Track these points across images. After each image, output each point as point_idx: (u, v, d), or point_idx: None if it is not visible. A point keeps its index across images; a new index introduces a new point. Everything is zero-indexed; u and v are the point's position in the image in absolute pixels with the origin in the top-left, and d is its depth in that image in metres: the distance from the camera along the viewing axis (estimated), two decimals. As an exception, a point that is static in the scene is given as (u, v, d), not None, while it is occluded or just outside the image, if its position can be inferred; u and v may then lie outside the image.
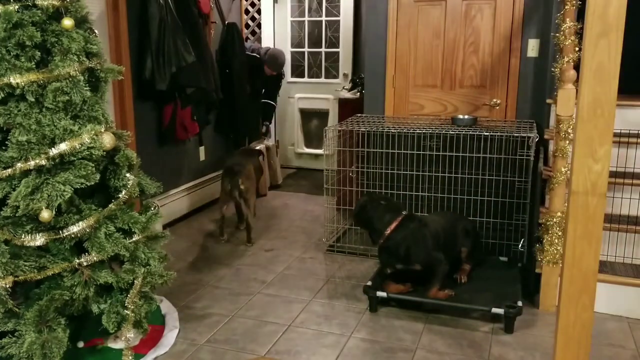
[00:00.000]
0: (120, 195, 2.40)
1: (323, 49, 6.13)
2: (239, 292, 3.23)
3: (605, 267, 2.97)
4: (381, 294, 2.94)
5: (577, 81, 2.36)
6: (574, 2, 2.71)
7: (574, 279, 1.74)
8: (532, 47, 3.70)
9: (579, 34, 2.67)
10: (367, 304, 2.99)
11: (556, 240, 2.87)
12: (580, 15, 2.22)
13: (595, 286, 1.75)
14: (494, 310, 2.74)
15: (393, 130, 3.62)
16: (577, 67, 2.18)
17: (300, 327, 2.82)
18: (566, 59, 2.73)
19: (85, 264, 2.27)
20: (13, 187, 2.13)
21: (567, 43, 2.73)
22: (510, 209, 3.50)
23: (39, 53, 2.16)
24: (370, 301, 2.98)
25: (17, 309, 2.17)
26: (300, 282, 3.35)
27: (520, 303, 2.77)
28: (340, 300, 3.11)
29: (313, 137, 6.36)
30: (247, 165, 4.18)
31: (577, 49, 2.71)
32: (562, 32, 2.74)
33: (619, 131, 3.01)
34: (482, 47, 3.82)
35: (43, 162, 2.12)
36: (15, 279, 2.12)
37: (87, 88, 2.26)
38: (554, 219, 2.87)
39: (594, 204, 1.68)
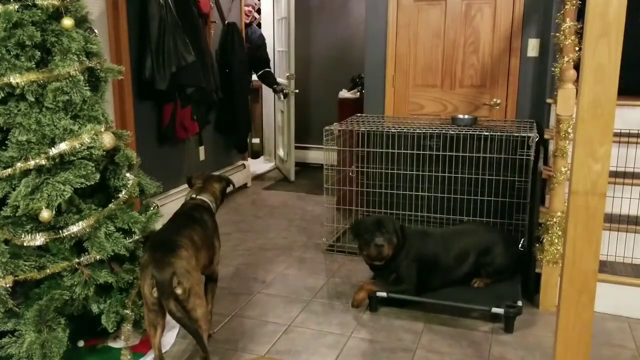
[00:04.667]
0: (120, 195, 2.40)
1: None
2: (239, 292, 3.22)
3: (605, 267, 2.97)
4: (381, 294, 2.94)
5: (577, 81, 2.35)
6: (574, 2, 2.71)
7: (574, 279, 1.74)
8: (532, 47, 3.69)
9: (579, 34, 2.67)
10: (367, 304, 3.00)
11: (556, 240, 2.86)
12: (580, 15, 2.22)
13: (595, 286, 1.75)
14: (494, 310, 2.74)
15: (393, 130, 3.62)
16: (577, 67, 2.18)
17: (300, 327, 2.82)
18: (566, 59, 2.73)
19: (85, 263, 2.27)
20: (13, 186, 2.13)
21: (567, 43, 2.73)
22: (510, 209, 3.49)
23: (39, 53, 2.17)
24: (370, 301, 2.98)
25: (17, 309, 2.18)
26: (300, 282, 3.35)
27: (520, 303, 2.77)
28: (340, 300, 3.11)
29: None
30: (182, 244, 2.19)
31: (577, 48, 2.71)
32: (562, 32, 2.74)
33: (619, 131, 3.02)
34: (482, 47, 3.81)
35: (43, 162, 2.13)
36: (15, 278, 2.12)
37: (87, 88, 2.26)
38: (554, 219, 2.87)
39: (594, 204, 1.68)
